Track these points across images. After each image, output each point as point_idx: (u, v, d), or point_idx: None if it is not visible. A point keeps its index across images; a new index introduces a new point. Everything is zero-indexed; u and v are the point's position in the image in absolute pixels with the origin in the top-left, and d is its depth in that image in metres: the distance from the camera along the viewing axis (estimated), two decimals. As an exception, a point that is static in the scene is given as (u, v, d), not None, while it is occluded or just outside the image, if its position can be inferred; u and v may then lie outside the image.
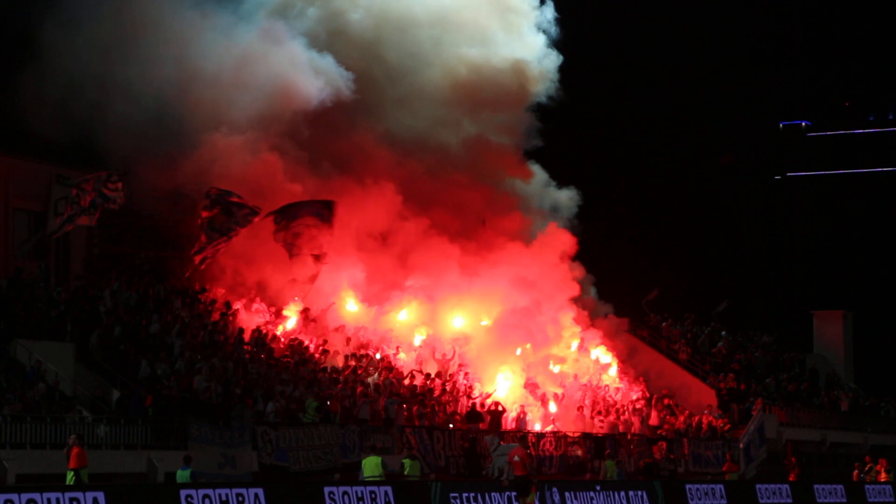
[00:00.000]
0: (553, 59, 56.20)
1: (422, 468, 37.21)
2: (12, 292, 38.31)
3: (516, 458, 32.77)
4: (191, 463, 32.86)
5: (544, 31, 56.65)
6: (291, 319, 46.50)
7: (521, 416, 46.99)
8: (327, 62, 50.41)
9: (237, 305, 44.85)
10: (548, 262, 54.66)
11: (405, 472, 35.11)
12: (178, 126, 46.27)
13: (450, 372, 48.19)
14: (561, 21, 56.96)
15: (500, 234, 54.72)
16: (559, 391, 50.78)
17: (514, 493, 34.11)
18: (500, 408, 45.86)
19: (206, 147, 46.71)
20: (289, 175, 48.79)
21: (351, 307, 49.22)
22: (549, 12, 57.00)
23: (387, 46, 53.83)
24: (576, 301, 55.12)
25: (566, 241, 55.49)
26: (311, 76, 49.69)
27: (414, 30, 54.42)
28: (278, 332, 45.19)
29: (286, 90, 49.07)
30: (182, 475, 32.44)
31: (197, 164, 46.41)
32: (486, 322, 52.16)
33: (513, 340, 51.99)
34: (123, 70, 45.72)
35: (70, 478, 29.92)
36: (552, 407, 49.63)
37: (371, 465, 34.60)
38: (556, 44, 56.60)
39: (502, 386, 49.55)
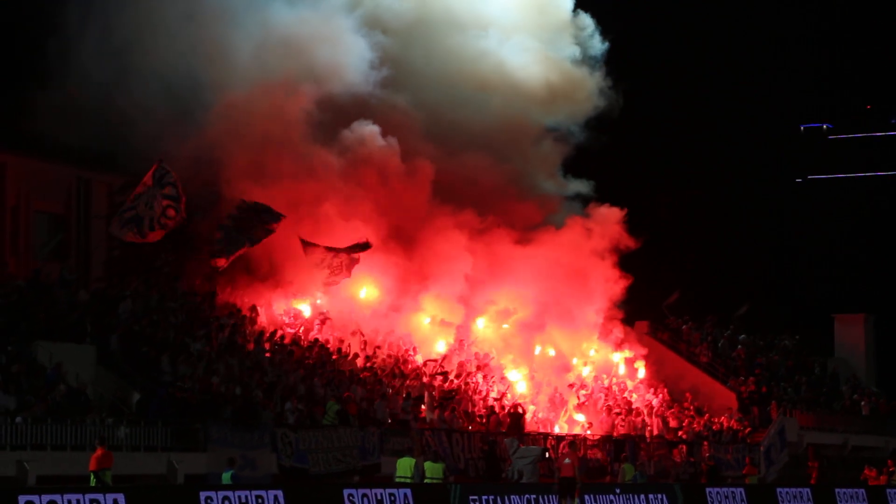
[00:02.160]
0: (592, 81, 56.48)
1: (444, 470, 36.98)
2: (32, 294, 38.39)
3: (567, 461, 35.53)
4: (234, 465, 33.00)
5: (591, 61, 56.84)
6: (305, 309, 46.48)
7: (534, 416, 46.96)
8: (363, 38, 50.22)
9: (260, 307, 44.84)
10: (589, 253, 54.14)
11: (426, 476, 35.04)
12: (202, 105, 46.04)
13: (468, 371, 48.11)
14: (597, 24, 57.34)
15: (530, 223, 54.09)
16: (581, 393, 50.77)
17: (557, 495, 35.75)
18: (519, 410, 45.79)
19: (230, 115, 46.30)
20: (319, 143, 48.44)
21: (363, 294, 49.02)
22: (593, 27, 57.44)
23: (427, 32, 53.65)
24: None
25: (615, 231, 54.96)
26: (349, 48, 49.48)
27: (456, 24, 54.40)
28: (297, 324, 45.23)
29: (320, 62, 48.73)
30: (225, 477, 32.59)
31: (221, 129, 46.00)
32: (506, 325, 51.97)
33: (537, 338, 51.87)
34: (143, 56, 45.55)
35: (91, 480, 29.95)
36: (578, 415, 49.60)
37: (404, 466, 34.57)
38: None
39: (520, 386, 49.50)
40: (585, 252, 54.08)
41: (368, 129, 49.73)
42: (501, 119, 54.62)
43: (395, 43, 52.07)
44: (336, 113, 49.34)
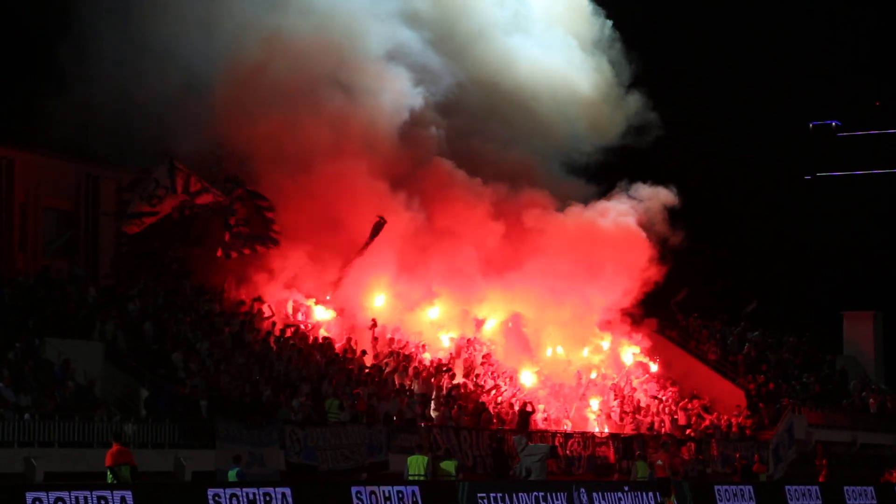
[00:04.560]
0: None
1: (457, 468, 36.83)
2: (41, 290, 38.40)
3: (659, 462, 36.85)
4: (240, 462, 33.00)
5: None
6: (319, 311, 46.40)
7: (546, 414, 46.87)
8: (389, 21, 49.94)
9: (266, 304, 44.76)
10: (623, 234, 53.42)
11: (443, 474, 34.98)
12: (213, 98, 45.88)
13: (476, 372, 48.01)
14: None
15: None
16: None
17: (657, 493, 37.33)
18: (528, 407, 45.73)
19: (242, 81, 45.99)
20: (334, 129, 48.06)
21: (379, 303, 48.93)
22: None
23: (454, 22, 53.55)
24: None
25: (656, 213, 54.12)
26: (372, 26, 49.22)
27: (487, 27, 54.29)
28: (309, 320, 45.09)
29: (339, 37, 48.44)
30: (231, 474, 32.60)
31: (232, 97, 45.68)
32: (510, 324, 51.74)
33: (548, 336, 51.68)
34: (153, 46, 45.45)
35: (108, 477, 29.94)
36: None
37: (416, 464, 34.50)
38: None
39: (528, 383, 49.39)
40: (618, 234, 53.51)
41: (394, 71, 49.27)
42: (520, 110, 54.36)
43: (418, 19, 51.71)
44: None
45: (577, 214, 53.39)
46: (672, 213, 55.64)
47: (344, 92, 48.25)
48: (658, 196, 54.87)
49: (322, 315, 46.65)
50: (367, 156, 47.86)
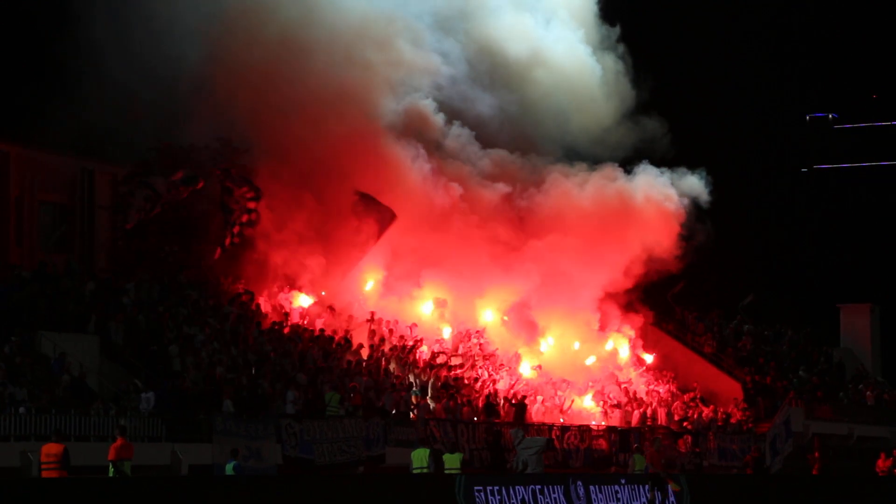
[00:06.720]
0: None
1: (462, 461, 36.65)
2: (37, 285, 38.38)
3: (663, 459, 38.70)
4: (237, 456, 33.03)
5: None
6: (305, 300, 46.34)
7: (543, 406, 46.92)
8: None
9: (260, 298, 44.74)
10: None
11: (446, 467, 34.93)
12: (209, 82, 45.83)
13: (473, 363, 48.00)
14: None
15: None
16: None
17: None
18: (524, 400, 45.71)
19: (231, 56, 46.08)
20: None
21: (369, 286, 48.81)
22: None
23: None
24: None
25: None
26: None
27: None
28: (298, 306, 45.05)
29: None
30: (228, 468, 32.55)
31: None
32: (507, 318, 51.65)
33: (548, 325, 51.62)
34: (142, 40, 45.41)
35: (110, 470, 29.90)
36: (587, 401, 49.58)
37: (419, 457, 34.46)
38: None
39: (527, 374, 49.38)
40: (648, 210, 53.05)
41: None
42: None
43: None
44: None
45: (607, 179, 52.88)
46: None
47: (339, 57, 48.21)
48: (686, 184, 54.43)
49: (316, 307, 46.56)
50: (370, 122, 47.85)
